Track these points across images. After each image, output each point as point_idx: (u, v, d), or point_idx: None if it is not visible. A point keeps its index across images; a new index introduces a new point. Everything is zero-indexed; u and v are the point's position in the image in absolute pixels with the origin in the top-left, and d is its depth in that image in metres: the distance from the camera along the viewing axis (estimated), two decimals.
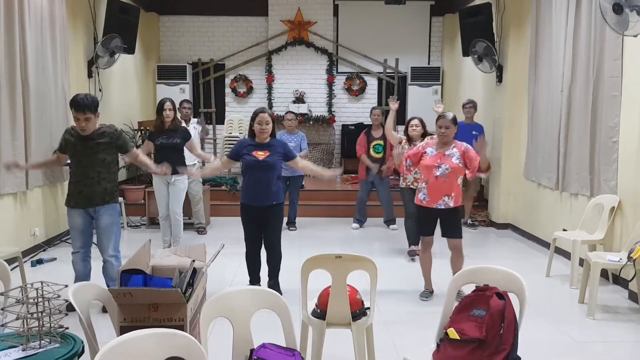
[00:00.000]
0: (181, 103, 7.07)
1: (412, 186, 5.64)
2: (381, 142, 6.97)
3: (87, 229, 4.22)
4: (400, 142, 5.68)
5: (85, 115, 3.94)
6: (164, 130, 5.61)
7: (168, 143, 5.59)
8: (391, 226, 7.25)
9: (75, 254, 4.26)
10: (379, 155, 6.96)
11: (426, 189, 4.45)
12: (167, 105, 5.59)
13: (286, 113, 7.30)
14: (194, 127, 6.91)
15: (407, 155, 4.62)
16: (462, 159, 4.41)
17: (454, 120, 4.45)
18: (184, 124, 6.16)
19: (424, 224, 4.57)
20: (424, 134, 5.68)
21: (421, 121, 5.72)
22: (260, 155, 4.44)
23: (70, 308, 3.32)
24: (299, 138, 7.19)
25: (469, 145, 4.50)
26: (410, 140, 5.70)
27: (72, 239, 4.28)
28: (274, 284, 4.68)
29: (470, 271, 2.78)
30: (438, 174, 4.39)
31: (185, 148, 5.79)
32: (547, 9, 6.20)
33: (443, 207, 4.43)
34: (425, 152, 4.50)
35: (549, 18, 6.16)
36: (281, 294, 4.45)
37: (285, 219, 7.26)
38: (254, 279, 4.70)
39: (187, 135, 5.74)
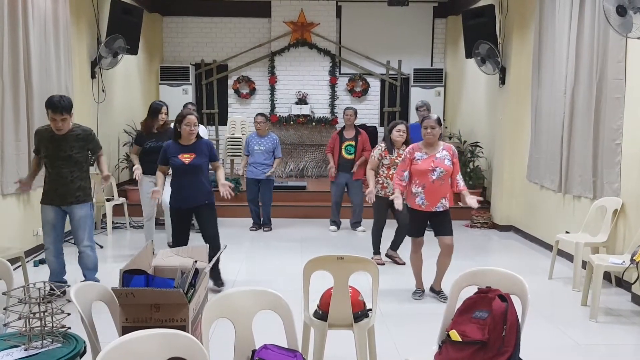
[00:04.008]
0: (186, 105, 7.05)
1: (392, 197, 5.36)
2: (352, 144, 6.94)
3: (59, 224, 4.39)
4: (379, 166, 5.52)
5: (62, 116, 4.13)
6: (152, 133, 5.70)
7: (157, 146, 5.59)
8: (359, 228, 7.15)
9: (47, 251, 4.42)
10: (351, 157, 6.93)
11: (423, 193, 4.43)
12: (164, 109, 5.75)
13: (256, 115, 7.22)
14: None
15: (402, 170, 4.54)
16: (451, 161, 4.45)
17: (439, 120, 4.48)
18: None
19: (417, 226, 4.57)
20: (406, 142, 5.51)
21: (407, 127, 5.62)
22: (186, 158, 4.53)
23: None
24: (271, 141, 7.05)
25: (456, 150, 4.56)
26: (392, 146, 5.51)
27: (44, 234, 4.43)
28: (217, 279, 4.73)
29: (473, 273, 2.78)
30: (434, 178, 4.39)
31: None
32: (551, 11, 6.19)
33: (441, 209, 4.45)
34: (414, 158, 4.48)
35: (552, 20, 6.15)
36: (223, 285, 4.59)
37: (260, 220, 7.24)
38: (217, 277, 4.75)
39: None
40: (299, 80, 10.25)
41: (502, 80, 7.34)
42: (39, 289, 2.30)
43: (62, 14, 6.23)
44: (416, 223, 4.57)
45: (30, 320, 2.25)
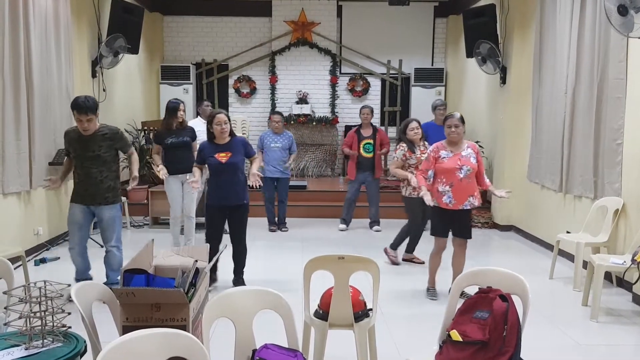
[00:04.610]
0: (203, 102, 7.06)
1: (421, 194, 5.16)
2: (371, 141, 6.95)
3: (85, 225, 4.43)
4: (406, 171, 5.40)
5: (87, 117, 4.17)
6: (172, 130, 5.73)
7: (178, 142, 5.71)
8: (374, 227, 7.15)
9: (72, 250, 4.44)
10: (370, 155, 6.93)
11: (451, 192, 4.39)
12: (182, 106, 5.80)
13: (273, 114, 7.26)
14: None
15: (424, 171, 4.50)
16: (476, 159, 4.44)
17: (462, 119, 4.46)
18: (198, 122, 6.41)
19: (443, 226, 4.52)
20: (422, 136, 5.53)
21: (419, 123, 5.60)
22: (223, 157, 4.57)
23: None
24: (287, 138, 7.09)
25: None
26: (412, 145, 5.46)
27: (70, 234, 4.48)
28: (238, 280, 4.79)
29: (473, 273, 2.78)
30: (462, 176, 4.37)
31: None
32: (552, 10, 6.18)
33: (469, 207, 4.44)
34: (439, 157, 4.44)
35: (553, 19, 6.15)
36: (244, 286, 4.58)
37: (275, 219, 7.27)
38: (213, 269, 4.81)
39: (194, 135, 5.86)
40: (300, 79, 10.25)
41: (503, 80, 7.34)
42: (40, 288, 2.30)
43: (62, 13, 6.23)
44: (441, 222, 4.51)
45: (31, 319, 2.25)
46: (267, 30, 10.25)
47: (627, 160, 4.82)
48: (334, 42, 10.16)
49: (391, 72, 10.32)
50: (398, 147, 5.57)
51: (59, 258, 5.68)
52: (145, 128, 8.46)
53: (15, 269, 3.01)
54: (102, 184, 4.32)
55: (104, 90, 7.38)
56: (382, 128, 9.68)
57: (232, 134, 4.68)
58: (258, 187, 4.64)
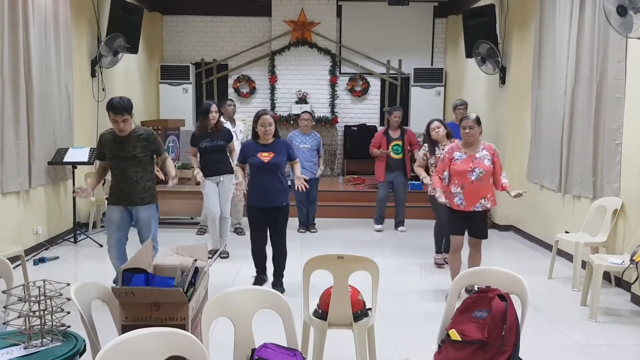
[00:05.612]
0: (226, 102, 7.05)
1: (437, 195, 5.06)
2: (400, 143, 6.93)
3: (124, 226, 4.44)
4: (427, 172, 5.42)
5: (123, 117, 4.19)
6: (207, 133, 5.74)
7: (213, 146, 5.73)
8: (400, 228, 7.16)
9: (110, 252, 4.47)
10: (399, 156, 6.93)
11: (462, 194, 4.36)
12: (214, 107, 5.77)
13: (302, 112, 7.21)
14: (240, 131, 6.97)
15: (440, 172, 4.47)
16: (492, 160, 4.40)
17: (478, 119, 4.41)
18: (228, 124, 6.38)
19: (457, 225, 4.50)
20: (448, 134, 5.47)
21: (441, 122, 5.56)
22: (265, 157, 4.58)
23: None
24: (316, 139, 7.04)
25: (496, 149, 4.48)
26: (435, 144, 5.44)
27: (107, 235, 4.52)
28: (278, 282, 4.77)
29: (473, 272, 2.79)
30: (473, 178, 4.34)
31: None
32: (551, 11, 6.19)
33: (480, 209, 4.40)
34: (453, 158, 4.42)
35: (552, 19, 6.15)
36: (283, 292, 4.50)
37: (307, 221, 7.24)
38: (262, 271, 4.82)
39: (229, 137, 5.87)
40: (299, 79, 10.25)
41: (502, 80, 7.34)
42: (39, 287, 2.30)
43: (62, 13, 6.23)
44: (455, 221, 4.49)
45: (30, 318, 2.25)
46: (266, 30, 10.25)
47: (626, 160, 4.82)
48: (334, 42, 10.17)
49: (391, 72, 10.32)
50: (422, 146, 5.64)
51: (58, 257, 5.68)
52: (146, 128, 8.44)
53: (14, 268, 3.02)
54: (138, 185, 4.34)
55: (103, 89, 7.37)
56: (373, 130, 9.68)
57: (276, 134, 4.68)
58: (303, 189, 4.63)
